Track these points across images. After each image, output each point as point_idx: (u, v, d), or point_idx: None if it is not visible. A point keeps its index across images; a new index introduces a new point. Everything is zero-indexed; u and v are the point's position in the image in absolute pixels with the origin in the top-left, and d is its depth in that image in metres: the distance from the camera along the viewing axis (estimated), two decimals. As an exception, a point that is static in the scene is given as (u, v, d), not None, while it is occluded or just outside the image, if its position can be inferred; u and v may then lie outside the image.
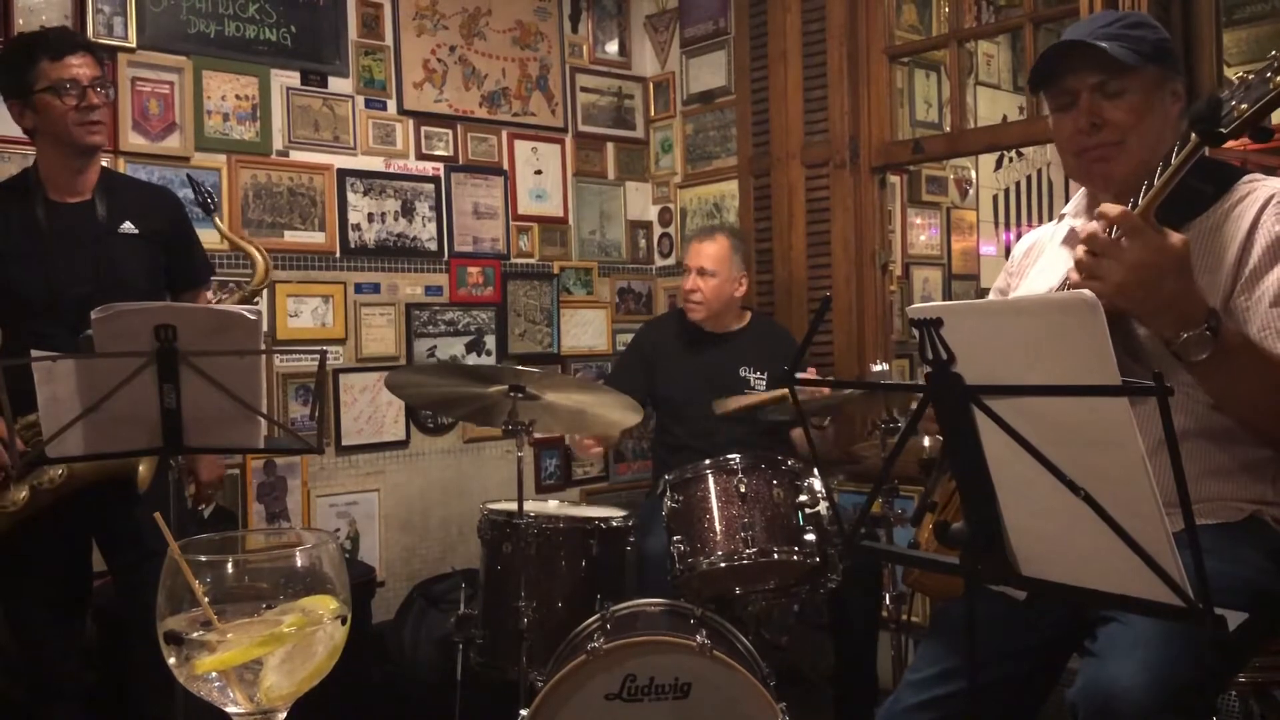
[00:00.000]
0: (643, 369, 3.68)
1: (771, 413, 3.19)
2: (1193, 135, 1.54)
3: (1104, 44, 1.74)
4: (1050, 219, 2.15)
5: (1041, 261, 2.01)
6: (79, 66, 2.55)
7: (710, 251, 3.54)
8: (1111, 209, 1.58)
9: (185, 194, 3.29)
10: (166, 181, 3.31)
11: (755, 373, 3.57)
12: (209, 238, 2.90)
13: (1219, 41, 3.13)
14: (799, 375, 1.82)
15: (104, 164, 2.77)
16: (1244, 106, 1.49)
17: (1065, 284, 1.71)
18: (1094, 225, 1.59)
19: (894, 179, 4.65)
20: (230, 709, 0.93)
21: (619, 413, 2.98)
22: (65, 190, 2.62)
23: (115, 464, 2.40)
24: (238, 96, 3.54)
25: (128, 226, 2.67)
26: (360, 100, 3.82)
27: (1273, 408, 1.64)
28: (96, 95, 2.56)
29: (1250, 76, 1.51)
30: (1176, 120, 1.82)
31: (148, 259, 2.71)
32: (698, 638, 2.41)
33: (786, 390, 3.02)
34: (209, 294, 2.97)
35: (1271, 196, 1.70)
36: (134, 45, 3.31)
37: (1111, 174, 1.83)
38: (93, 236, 2.61)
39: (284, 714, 0.95)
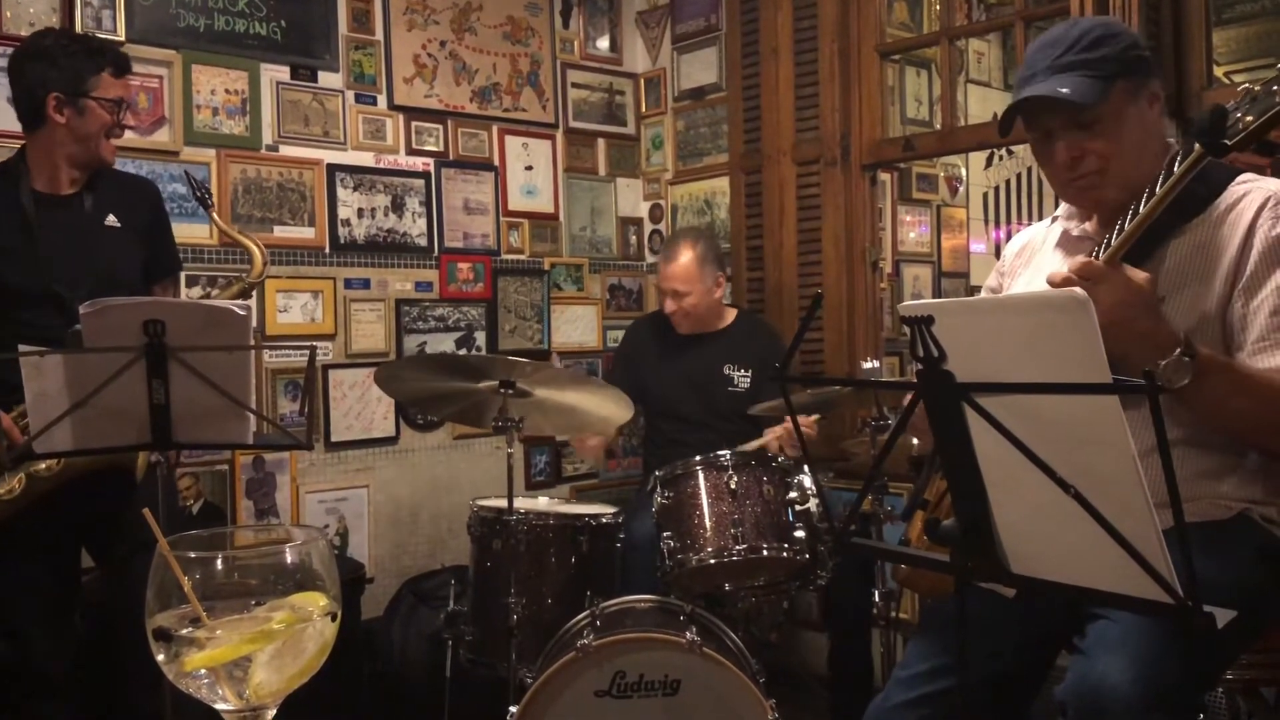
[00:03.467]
0: (630, 369, 3.71)
1: (760, 408, 3.19)
2: (1196, 147, 1.53)
3: (1064, 88, 1.72)
4: (1040, 217, 2.16)
5: (1035, 263, 2.01)
6: (127, 88, 2.65)
7: (677, 273, 3.52)
8: (1075, 263, 1.61)
9: (176, 189, 3.31)
10: (156, 176, 3.29)
11: (739, 370, 3.58)
12: (201, 233, 2.89)
13: (1209, 40, 3.14)
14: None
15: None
16: (1249, 119, 1.49)
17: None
18: (1065, 274, 1.62)
19: (885, 176, 4.65)
20: (219, 706, 0.92)
21: (610, 408, 2.98)
22: (54, 183, 2.61)
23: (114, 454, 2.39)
24: (227, 91, 3.52)
25: (111, 220, 2.68)
26: (350, 95, 3.81)
27: (1259, 421, 1.64)
28: (126, 118, 2.66)
29: (1256, 88, 1.51)
30: (1159, 119, 1.81)
31: (132, 252, 2.71)
32: (687, 635, 2.41)
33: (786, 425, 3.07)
34: (189, 288, 2.96)
35: (1268, 199, 1.69)
36: (123, 38, 3.29)
37: (1102, 199, 1.83)
38: (81, 230, 2.61)
39: (273, 711, 0.94)
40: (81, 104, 2.55)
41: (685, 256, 3.52)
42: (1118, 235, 1.63)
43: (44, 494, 2.46)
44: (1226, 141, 1.50)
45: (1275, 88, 1.48)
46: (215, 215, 2.68)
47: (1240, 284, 1.68)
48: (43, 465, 2.42)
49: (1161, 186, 1.58)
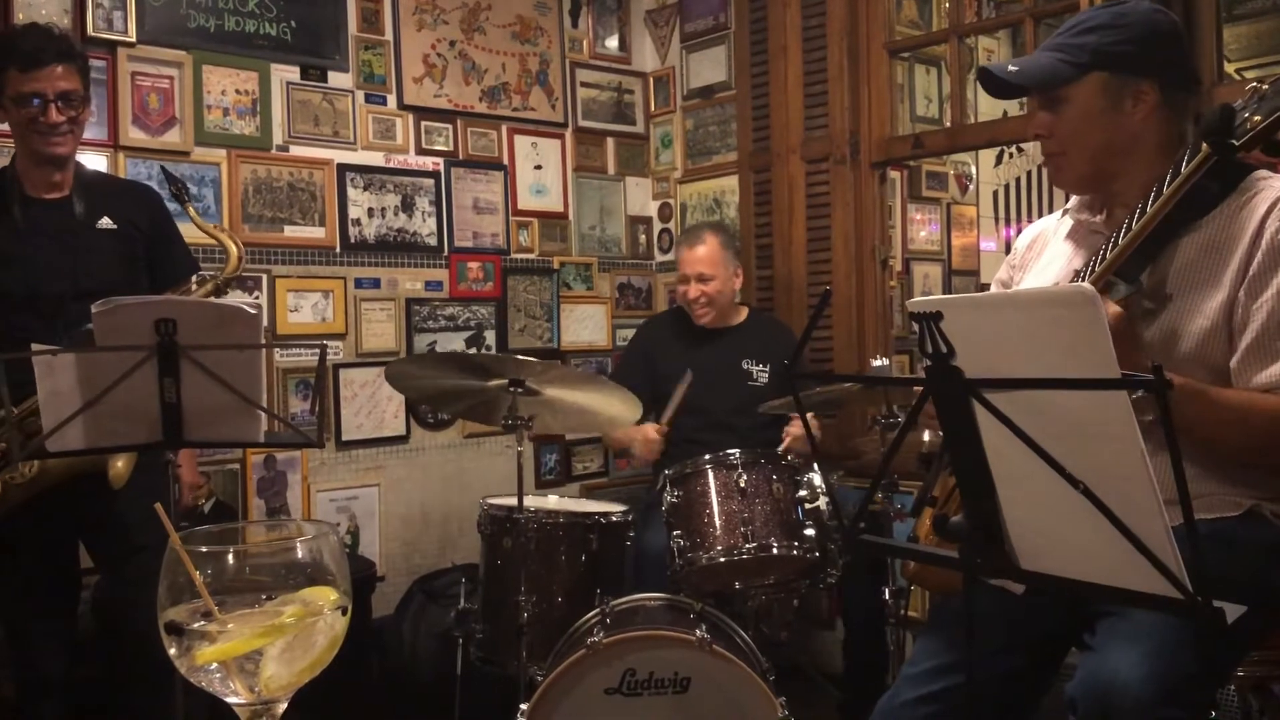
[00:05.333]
0: (644, 367, 3.69)
1: (775, 407, 3.18)
2: (1204, 147, 1.53)
3: (1017, 66, 1.79)
4: (1050, 214, 2.15)
5: (1045, 255, 2.00)
6: (47, 80, 2.48)
7: (703, 255, 3.56)
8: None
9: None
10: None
11: (757, 365, 3.58)
12: (188, 231, 2.86)
13: (1219, 37, 3.13)
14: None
15: (85, 162, 2.73)
16: (1257, 119, 1.49)
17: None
18: None
19: (894, 174, 4.65)
20: (231, 699, 0.93)
21: (618, 407, 2.98)
22: (42, 187, 2.60)
23: (87, 459, 2.36)
24: (238, 91, 3.54)
25: (105, 222, 2.65)
26: (360, 95, 3.82)
27: (1239, 443, 1.64)
28: (60, 112, 2.50)
29: (1264, 87, 1.50)
30: (1147, 121, 1.78)
31: (125, 254, 2.68)
32: (697, 632, 2.41)
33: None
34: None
35: (1277, 199, 1.67)
36: (134, 40, 3.31)
37: (1061, 181, 1.90)
38: (69, 233, 2.59)
39: (284, 705, 0.95)
40: (4, 103, 2.52)
41: (709, 241, 3.57)
42: (1125, 234, 1.63)
43: (24, 501, 2.45)
44: (1234, 141, 1.49)
45: None
46: (192, 210, 2.61)
47: (1244, 284, 1.66)
48: (17, 474, 2.42)
49: (1168, 186, 1.58)
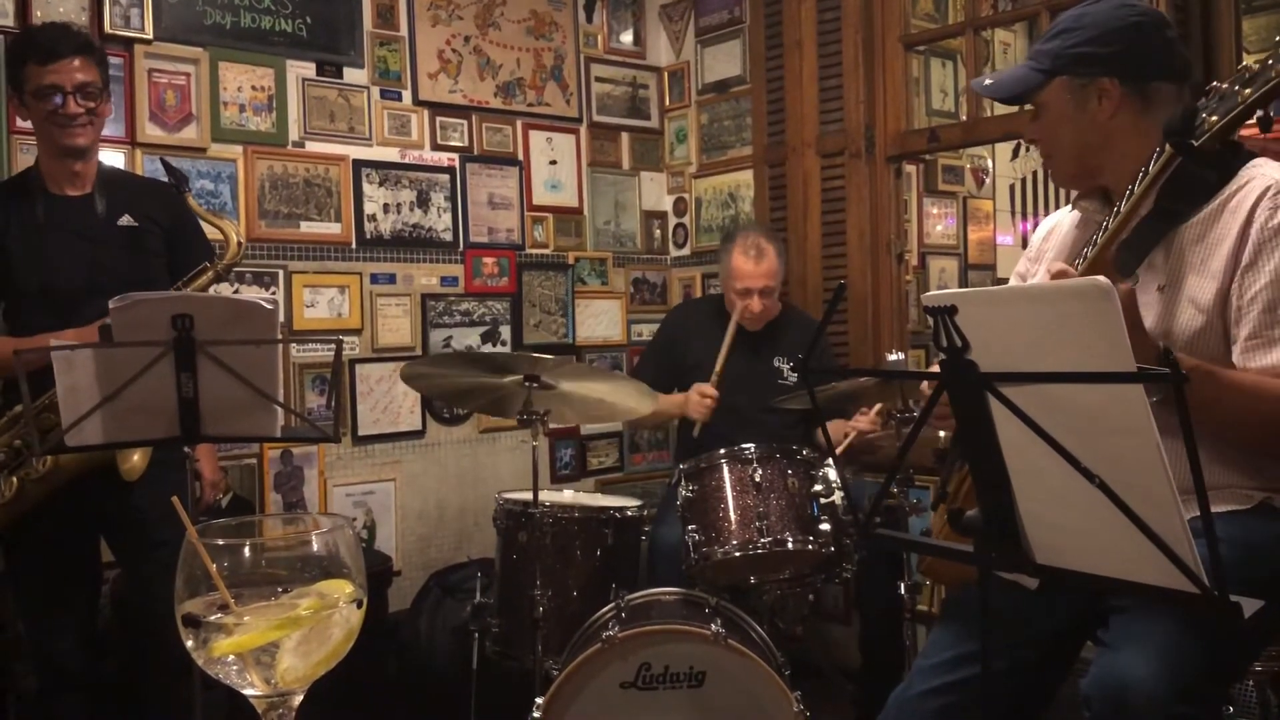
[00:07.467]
0: (671, 357, 3.66)
1: (793, 400, 3.17)
2: (1166, 147, 1.55)
3: (991, 80, 1.87)
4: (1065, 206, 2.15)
5: (1058, 246, 2.00)
6: (64, 72, 2.51)
7: (766, 270, 3.46)
8: (1054, 268, 1.65)
9: (204, 185, 3.34)
10: (184, 173, 3.32)
11: (789, 365, 3.54)
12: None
13: (1238, 29, 3.11)
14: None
15: (103, 159, 2.74)
16: (1214, 119, 1.51)
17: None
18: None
19: (910, 168, 4.63)
20: (248, 692, 0.94)
21: (634, 401, 2.99)
22: (64, 184, 2.62)
23: (100, 454, 2.39)
24: (254, 87, 3.55)
25: (126, 220, 2.66)
26: (375, 91, 3.83)
27: (1250, 426, 1.63)
28: (76, 104, 2.52)
29: (1223, 86, 1.52)
30: (1114, 118, 1.78)
31: (144, 252, 2.68)
32: (712, 627, 2.42)
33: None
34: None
35: (1268, 188, 1.66)
36: (151, 37, 3.33)
37: (1056, 180, 1.99)
38: (90, 230, 2.61)
39: (300, 697, 0.96)
40: (26, 100, 2.55)
41: (769, 253, 3.47)
42: (1102, 233, 1.65)
43: (42, 496, 2.47)
44: (1194, 142, 1.51)
45: (1238, 86, 1.49)
46: (190, 199, 2.63)
47: (1236, 275, 1.66)
48: (33, 469, 2.44)
49: (1139, 186, 1.60)
